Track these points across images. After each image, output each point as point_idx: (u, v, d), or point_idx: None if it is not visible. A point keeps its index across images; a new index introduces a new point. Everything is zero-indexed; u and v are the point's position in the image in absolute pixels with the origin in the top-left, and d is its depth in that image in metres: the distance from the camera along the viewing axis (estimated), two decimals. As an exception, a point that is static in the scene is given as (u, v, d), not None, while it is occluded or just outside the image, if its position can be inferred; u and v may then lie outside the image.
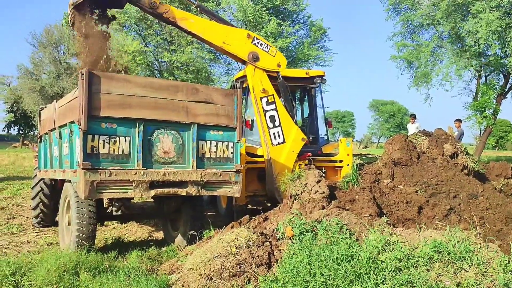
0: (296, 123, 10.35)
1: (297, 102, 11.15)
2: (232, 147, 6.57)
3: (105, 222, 8.96)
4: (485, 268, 3.74)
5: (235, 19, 21.24)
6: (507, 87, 22.86)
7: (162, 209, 7.59)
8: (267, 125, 8.20)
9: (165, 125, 6.01)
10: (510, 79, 22.78)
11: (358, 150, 45.63)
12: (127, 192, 5.69)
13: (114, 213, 8.82)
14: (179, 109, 6.10)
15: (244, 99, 9.83)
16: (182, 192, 6.04)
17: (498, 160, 11.14)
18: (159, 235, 8.24)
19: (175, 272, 5.18)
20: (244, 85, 9.77)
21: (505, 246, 4.87)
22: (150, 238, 8.07)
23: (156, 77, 21.64)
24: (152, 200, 8.48)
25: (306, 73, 9.83)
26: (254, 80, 8.26)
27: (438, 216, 5.52)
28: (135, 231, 8.67)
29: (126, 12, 19.78)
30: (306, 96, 10.49)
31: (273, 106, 8.25)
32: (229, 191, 6.51)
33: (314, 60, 23.19)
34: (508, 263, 3.67)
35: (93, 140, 5.47)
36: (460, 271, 3.76)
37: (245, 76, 9.60)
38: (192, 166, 6.15)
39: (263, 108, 8.24)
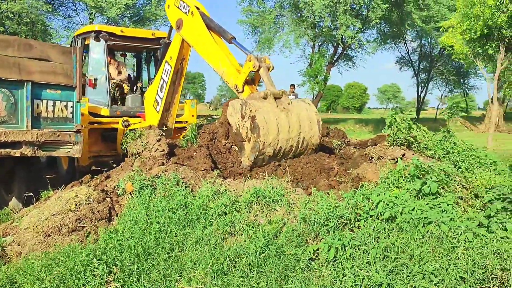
0: (142, 85, 10.44)
1: (143, 63, 11.16)
2: (71, 107, 6.46)
3: None
4: (291, 208, 4.61)
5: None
6: (336, 56, 25.87)
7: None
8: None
9: (-6, 83, 5.64)
10: (338, 49, 25.81)
11: (208, 111, 46.83)
12: (-50, 154, 5.28)
13: None
14: (10, 66, 5.76)
15: (87, 56, 9.50)
16: (16, 153, 5.82)
17: (327, 121, 12.88)
18: (-10, 199, 7.70)
19: (9, 234, 5.08)
20: (86, 42, 9.41)
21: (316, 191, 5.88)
22: (-22, 204, 7.51)
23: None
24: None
25: (152, 34, 9.86)
26: None
27: (268, 171, 6.20)
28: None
29: None
30: (152, 58, 10.55)
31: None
32: (69, 152, 6.45)
33: (162, 20, 22.91)
34: (308, 202, 4.58)
35: None
36: (273, 211, 4.57)
37: (88, 32, 9.24)
38: (27, 126, 5.93)
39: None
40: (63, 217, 4.68)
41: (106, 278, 3.85)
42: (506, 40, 12.43)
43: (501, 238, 3.78)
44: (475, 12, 11.93)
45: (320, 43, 26.64)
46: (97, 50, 9.09)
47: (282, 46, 24.49)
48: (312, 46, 26.05)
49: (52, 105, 6.25)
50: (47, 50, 6.22)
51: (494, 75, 13.72)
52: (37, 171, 6.99)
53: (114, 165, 8.70)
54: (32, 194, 6.14)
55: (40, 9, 19.11)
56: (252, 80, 6.71)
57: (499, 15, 11.70)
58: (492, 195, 4.31)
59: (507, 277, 3.44)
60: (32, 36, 18.62)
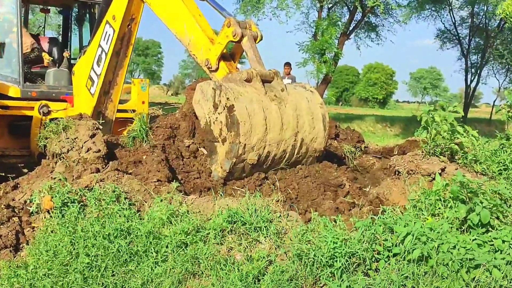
0: (71, 55, 10.40)
1: (72, 24, 11.12)
2: (-34, 83, 6.43)
3: None
4: (281, 239, 4.64)
5: None
6: (352, 25, 26.02)
7: None
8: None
9: None
10: (356, 16, 25.97)
11: (165, 97, 46.73)
12: None
13: None
14: None
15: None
16: None
17: (337, 118, 12.89)
18: None
19: None
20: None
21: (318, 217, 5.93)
22: None
23: None
24: None
25: (87, -18, 9.87)
26: None
27: (250, 186, 6.20)
28: None
29: None
30: (87, 16, 10.53)
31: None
32: (-40, 148, 6.41)
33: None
34: (305, 232, 4.63)
35: None
36: (255, 244, 4.60)
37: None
38: None
39: None
40: None
41: (9, 334, 3.83)
42: None
43: None
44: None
45: (330, 5, 26.80)
46: (6, 2, 9.04)
47: (276, 7, 24.57)
48: (318, 10, 26.22)
49: None
50: None
51: None
52: None
53: (26, 170, 8.65)
54: None
55: None
56: (231, 54, 6.74)
57: None
58: None
59: None
60: None
